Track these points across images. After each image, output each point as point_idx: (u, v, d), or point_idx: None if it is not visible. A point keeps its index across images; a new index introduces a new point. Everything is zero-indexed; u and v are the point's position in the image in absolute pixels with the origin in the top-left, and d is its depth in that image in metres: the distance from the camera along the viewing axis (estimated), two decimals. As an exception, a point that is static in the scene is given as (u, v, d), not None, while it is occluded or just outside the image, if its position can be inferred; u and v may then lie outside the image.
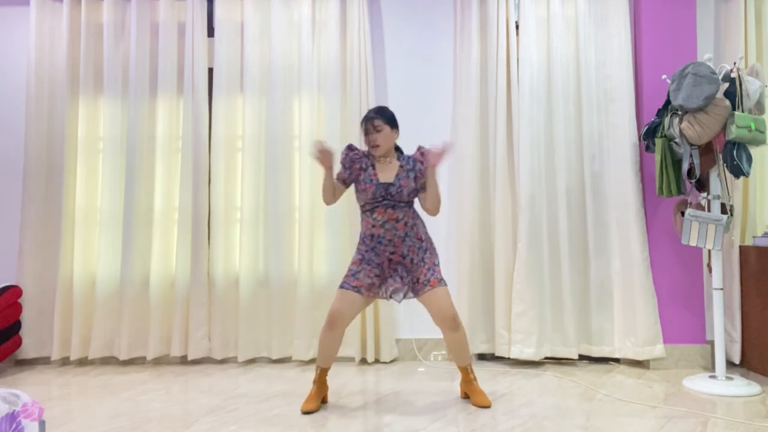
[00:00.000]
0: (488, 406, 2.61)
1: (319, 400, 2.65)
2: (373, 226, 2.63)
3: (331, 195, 2.66)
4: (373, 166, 2.67)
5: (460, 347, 2.64)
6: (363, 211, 2.68)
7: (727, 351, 3.34)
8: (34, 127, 3.60)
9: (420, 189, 2.72)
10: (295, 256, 3.56)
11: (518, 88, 3.47)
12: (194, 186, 3.53)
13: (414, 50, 3.72)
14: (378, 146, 2.63)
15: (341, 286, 2.62)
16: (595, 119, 3.45)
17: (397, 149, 2.75)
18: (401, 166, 2.67)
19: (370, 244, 2.65)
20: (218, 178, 3.57)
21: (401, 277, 2.68)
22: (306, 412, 2.57)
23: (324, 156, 2.55)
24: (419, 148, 2.72)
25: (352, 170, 2.69)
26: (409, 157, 2.72)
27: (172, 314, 3.56)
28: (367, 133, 2.64)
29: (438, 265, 2.71)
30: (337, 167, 2.74)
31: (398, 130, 2.70)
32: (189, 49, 3.59)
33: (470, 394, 2.69)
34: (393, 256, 2.65)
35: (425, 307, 2.66)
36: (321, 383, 2.67)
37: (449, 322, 2.59)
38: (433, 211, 2.69)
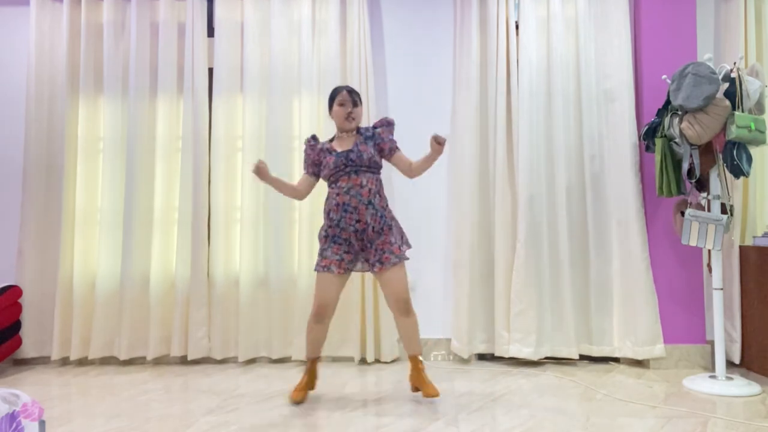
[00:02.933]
0: (437, 396, 2.61)
1: (307, 389, 2.75)
2: (338, 194, 2.67)
3: (292, 194, 2.79)
4: (330, 143, 2.78)
5: (411, 333, 2.68)
6: (329, 185, 2.75)
7: (727, 351, 3.34)
8: (34, 127, 3.60)
9: (384, 155, 2.79)
10: (295, 256, 3.56)
11: (518, 88, 3.47)
12: (194, 186, 3.53)
13: (414, 50, 3.72)
14: (354, 118, 2.73)
15: (318, 269, 2.69)
16: (595, 119, 3.45)
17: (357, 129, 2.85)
18: (359, 135, 2.77)
19: (335, 218, 2.67)
20: (218, 178, 3.57)
21: (368, 251, 2.71)
22: (296, 401, 2.67)
23: (260, 171, 2.66)
24: (381, 121, 2.80)
25: (317, 158, 2.78)
26: (367, 128, 2.81)
27: (172, 314, 3.56)
28: (342, 104, 2.72)
29: (399, 243, 2.72)
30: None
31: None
32: (189, 49, 3.59)
33: (420, 385, 2.66)
34: (358, 224, 2.65)
35: (381, 287, 2.69)
36: (312, 372, 2.76)
37: (402, 305, 2.64)
38: (415, 175, 2.77)
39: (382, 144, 2.77)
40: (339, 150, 2.73)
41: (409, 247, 2.80)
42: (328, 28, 3.59)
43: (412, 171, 2.76)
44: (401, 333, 2.70)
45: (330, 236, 2.70)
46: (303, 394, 2.70)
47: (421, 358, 2.71)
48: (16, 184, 3.75)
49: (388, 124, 2.80)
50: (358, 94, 2.77)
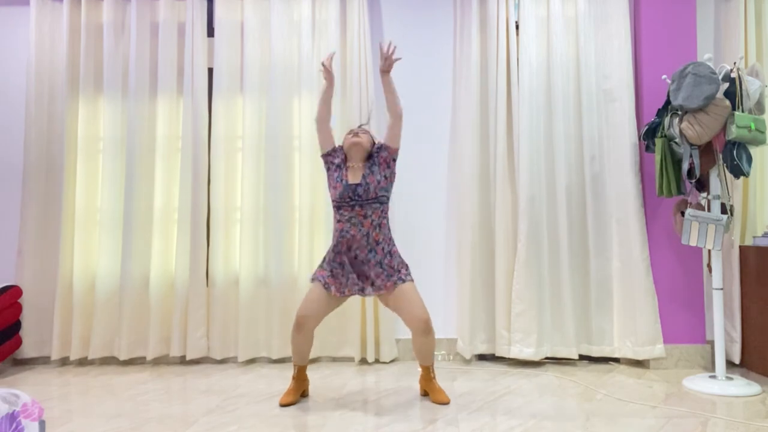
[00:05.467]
0: (447, 403, 2.66)
1: (297, 394, 2.76)
2: (339, 221, 2.70)
3: (325, 108, 2.77)
4: (346, 167, 2.76)
5: (428, 349, 2.70)
6: (333, 206, 2.76)
7: (727, 351, 3.34)
8: (34, 127, 3.60)
9: (386, 151, 2.76)
10: (295, 256, 3.56)
11: (518, 88, 3.47)
12: (194, 186, 3.53)
13: (414, 50, 3.72)
14: (359, 139, 2.71)
15: (313, 279, 2.73)
16: (595, 119, 3.45)
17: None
18: (365, 162, 2.76)
19: (334, 241, 2.72)
20: (218, 178, 3.57)
21: (366, 276, 2.70)
22: (284, 405, 2.67)
23: (327, 73, 2.74)
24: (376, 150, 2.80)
25: (331, 157, 2.78)
26: (374, 154, 2.79)
27: (171, 314, 3.56)
28: (354, 134, 2.75)
29: (401, 269, 2.71)
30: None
31: (374, 144, 2.82)
32: (189, 49, 3.59)
33: (430, 391, 2.74)
34: (351, 252, 2.67)
35: (395, 310, 2.67)
36: (300, 379, 2.77)
37: (422, 325, 2.62)
38: (398, 109, 2.72)
39: (383, 152, 2.75)
40: (349, 181, 2.71)
41: (411, 279, 2.73)
42: (328, 28, 3.59)
43: (390, 113, 2.73)
44: (417, 348, 2.69)
45: (331, 255, 2.73)
46: (291, 398, 2.71)
47: (433, 366, 2.76)
48: (16, 184, 3.75)
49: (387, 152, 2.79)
50: (368, 131, 2.81)
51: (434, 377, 2.77)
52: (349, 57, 3.58)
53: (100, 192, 3.62)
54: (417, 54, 3.72)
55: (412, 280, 2.71)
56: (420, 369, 2.84)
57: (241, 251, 3.53)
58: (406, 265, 2.75)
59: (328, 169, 2.79)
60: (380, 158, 2.74)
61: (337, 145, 2.82)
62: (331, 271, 2.71)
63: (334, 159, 2.78)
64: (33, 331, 3.58)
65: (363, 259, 2.68)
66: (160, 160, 3.63)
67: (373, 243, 2.68)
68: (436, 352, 3.58)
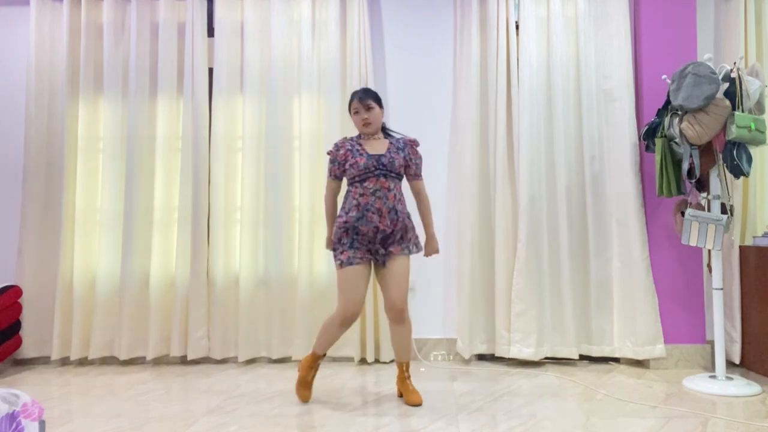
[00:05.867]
0: (420, 404, 2.64)
1: (312, 385, 2.74)
2: (362, 194, 2.61)
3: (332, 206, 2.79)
4: (360, 144, 2.72)
5: (403, 341, 2.67)
6: (351, 183, 2.68)
7: (727, 351, 3.34)
8: (34, 127, 3.60)
9: (407, 173, 2.76)
10: (295, 256, 3.55)
11: (518, 87, 3.47)
12: (194, 186, 3.53)
13: (414, 50, 3.72)
14: (370, 123, 2.69)
15: (343, 264, 2.60)
16: (595, 119, 3.45)
17: (384, 129, 2.81)
18: (391, 143, 2.73)
19: (354, 216, 2.60)
20: (218, 178, 3.57)
21: (377, 251, 2.66)
22: (305, 402, 2.68)
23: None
24: (413, 141, 2.77)
25: (343, 158, 2.71)
26: (399, 139, 2.77)
27: (171, 314, 3.56)
28: (357, 112, 2.70)
29: (412, 240, 2.71)
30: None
31: (383, 109, 2.78)
32: (189, 49, 3.59)
33: (404, 392, 2.71)
34: (379, 225, 2.59)
35: (381, 288, 2.66)
36: (316, 368, 2.73)
37: (397, 314, 2.61)
38: (419, 206, 2.81)
39: (409, 163, 2.73)
40: (370, 152, 2.67)
41: (419, 250, 2.76)
42: (328, 28, 3.59)
43: (419, 202, 2.80)
44: (393, 339, 2.69)
45: (348, 234, 2.63)
46: (309, 392, 2.72)
47: (409, 365, 2.74)
48: (16, 184, 3.75)
49: (416, 148, 2.78)
50: (373, 95, 2.71)
51: (409, 377, 2.72)
52: (349, 57, 3.58)
53: (100, 192, 3.62)
54: (417, 54, 3.72)
55: (414, 252, 2.70)
56: (396, 367, 2.80)
57: (241, 251, 3.53)
58: (417, 237, 2.74)
59: (344, 169, 2.71)
60: (404, 159, 2.70)
61: (338, 151, 2.72)
62: (355, 247, 2.61)
63: (340, 152, 2.71)
64: (33, 331, 3.58)
65: (388, 234, 2.62)
66: (160, 160, 3.63)
67: (403, 216, 2.65)
68: (435, 352, 3.58)
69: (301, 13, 3.60)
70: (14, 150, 3.76)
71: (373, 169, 2.62)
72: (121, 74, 3.66)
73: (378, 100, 2.73)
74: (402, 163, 2.68)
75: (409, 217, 2.72)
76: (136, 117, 3.57)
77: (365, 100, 2.68)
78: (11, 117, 3.78)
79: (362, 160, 2.63)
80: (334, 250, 2.69)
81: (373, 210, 2.59)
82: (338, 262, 2.63)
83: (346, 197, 2.70)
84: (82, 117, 3.63)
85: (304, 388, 2.72)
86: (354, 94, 2.72)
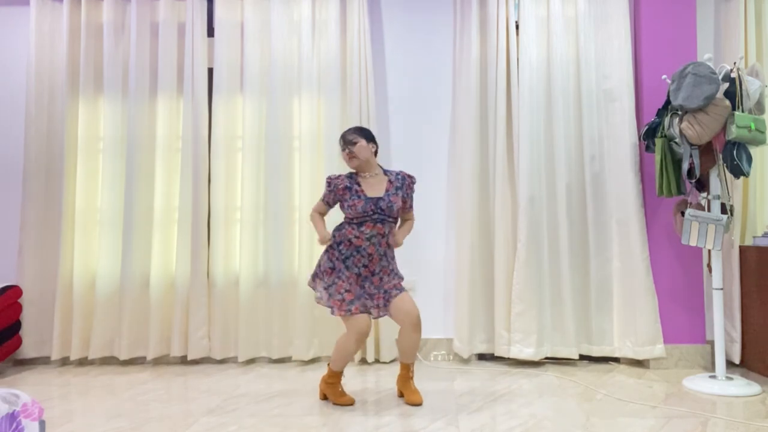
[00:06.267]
0: (420, 404, 2.65)
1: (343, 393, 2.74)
2: (357, 237, 2.62)
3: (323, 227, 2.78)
4: (358, 183, 2.69)
5: (414, 346, 2.67)
6: (349, 223, 2.67)
7: (727, 351, 3.34)
8: (34, 127, 3.60)
9: (403, 209, 2.76)
10: (295, 256, 3.56)
11: (518, 87, 3.47)
12: (194, 186, 3.53)
13: (414, 50, 3.72)
14: (355, 157, 2.66)
15: (343, 313, 2.57)
16: (595, 119, 3.45)
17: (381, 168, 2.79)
18: (390, 182, 2.71)
19: (345, 252, 2.63)
20: (218, 178, 3.57)
21: (370, 295, 2.66)
22: (349, 404, 2.68)
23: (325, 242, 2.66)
24: (410, 178, 2.78)
25: (337, 192, 2.70)
26: (398, 174, 2.75)
27: (172, 314, 3.56)
28: (343, 149, 2.69)
29: (396, 280, 2.72)
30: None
31: (376, 144, 2.75)
32: (189, 49, 3.59)
33: (405, 391, 2.72)
34: (364, 270, 2.64)
35: (393, 317, 2.67)
36: (339, 379, 2.74)
37: (415, 320, 2.61)
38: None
39: (405, 199, 2.74)
40: (368, 194, 2.66)
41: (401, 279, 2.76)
42: (328, 28, 3.59)
43: (405, 222, 2.85)
44: (404, 343, 2.67)
45: (337, 270, 2.63)
46: (348, 397, 2.70)
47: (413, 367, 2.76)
48: (16, 184, 3.75)
49: (412, 184, 2.78)
50: (356, 129, 2.70)
51: (412, 377, 2.75)
52: (349, 57, 3.58)
53: (100, 192, 3.62)
54: (417, 54, 3.72)
55: (405, 290, 2.72)
56: (400, 368, 2.80)
57: (241, 251, 3.53)
58: (399, 274, 2.77)
59: (340, 200, 2.70)
60: (404, 189, 2.72)
61: (332, 183, 2.71)
62: (348, 289, 2.61)
63: (340, 185, 2.69)
64: (33, 331, 3.58)
65: (375, 272, 2.66)
66: (160, 160, 3.63)
67: (389, 258, 2.70)
68: (435, 352, 3.58)
69: (301, 13, 3.60)
70: (14, 150, 3.76)
71: (371, 213, 2.62)
72: (121, 74, 3.66)
73: (365, 133, 2.70)
74: (399, 205, 2.67)
75: (394, 255, 2.78)
76: (136, 117, 3.57)
77: (347, 135, 2.68)
78: (11, 117, 3.78)
79: (360, 204, 2.62)
80: (327, 287, 2.65)
81: (364, 254, 2.62)
82: (340, 311, 2.58)
83: (340, 229, 2.68)
84: (82, 117, 3.63)
85: (341, 395, 2.70)
86: (342, 134, 2.73)
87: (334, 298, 2.61)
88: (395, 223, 2.71)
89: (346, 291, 2.60)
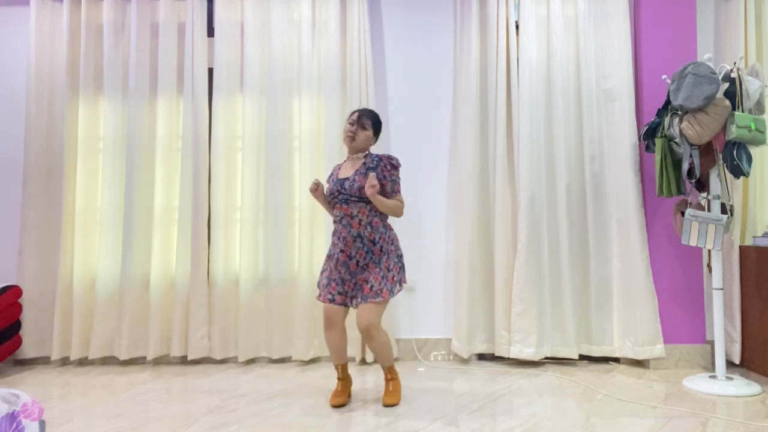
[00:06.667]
0: (394, 405, 2.65)
1: (345, 394, 2.72)
2: (334, 221, 2.68)
3: (331, 211, 2.78)
4: (339, 167, 2.76)
5: (377, 352, 2.63)
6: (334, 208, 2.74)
7: (727, 351, 3.34)
8: (34, 127, 3.60)
9: (384, 193, 2.66)
10: (295, 256, 3.56)
11: (518, 87, 3.47)
12: (194, 186, 3.53)
13: (414, 50, 3.72)
14: (353, 138, 2.67)
15: (318, 298, 2.69)
16: (595, 119, 3.45)
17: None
18: (364, 163, 2.68)
19: (334, 239, 2.69)
20: (218, 178, 3.57)
21: (343, 281, 2.64)
22: (336, 406, 2.64)
23: (316, 190, 2.67)
24: (389, 157, 2.68)
25: (328, 180, 2.80)
26: (375, 156, 2.69)
27: (172, 314, 3.56)
28: (351, 123, 2.68)
29: (379, 285, 2.56)
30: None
31: (377, 138, 2.78)
32: (189, 49, 3.59)
33: (384, 391, 2.75)
34: (341, 255, 2.62)
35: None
36: (345, 379, 2.75)
37: (364, 333, 2.55)
38: (390, 215, 2.69)
39: (383, 181, 2.64)
40: (340, 176, 2.70)
41: (401, 286, 2.65)
42: (328, 28, 3.59)
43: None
44: (370, 349, 2.67)
45: (327, 257, 2.72)
46: (342, 399, 2.67)
47: (393, 368, 2.75)
48: (16, 184, 3.75)
49: (392, 167, 2.66)
50: (374, 118, 2.71)
51: (391, 378, 2.72)
52: (349, 57, 3.58)
53: (100, 192, 3.62)
54: (417, 54, 3.72)
55: (376, 301, 2.54)
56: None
57: (241, 251, 3.53)
58: (398, 278, 2.63)
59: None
60: (381, 169, 2.64)
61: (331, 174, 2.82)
62: (332, 279, 2.64)
63: (331, 173, 2.81)
64: (33, 331, 3.58)
65: (363, 265, 2.61)
66: (160, 160, 3.63)
67: (369, 244, 2.60)
68: (435, 352, 3.58)
69: (301, 13, 3.60)
70: (14, 150, 3.76)
71: (337, 194, 2.64)
72: (121, 74, 3.66)
73: (376, 126, 2.72)
74: (375, 185, 2.54)
75: (383, 247, 2.62)
76: (136, 117, 3.57)
77: (363, 117, 2.68)
78: (11, 117, 3.78)
79: (330, 186, 2.68)
80: (321, 273, 2.75)
81: (339, 237, 2.62)
82: (318, 287, 2.71)
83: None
84: (82, 117, 3.63)
85: (335, 395, 2.70)
86: (359, 109, 2.74)
87: (319, 284, 2.72)
88: (364, 204, 2.60)
89: (326, 277, 2.68)
